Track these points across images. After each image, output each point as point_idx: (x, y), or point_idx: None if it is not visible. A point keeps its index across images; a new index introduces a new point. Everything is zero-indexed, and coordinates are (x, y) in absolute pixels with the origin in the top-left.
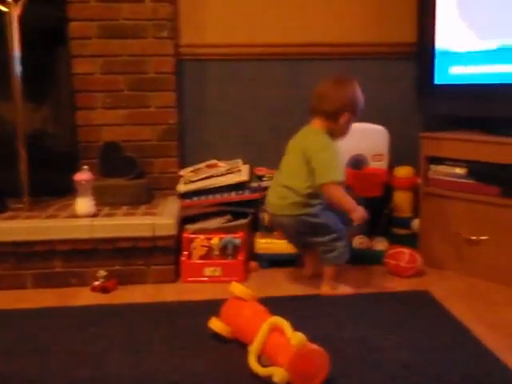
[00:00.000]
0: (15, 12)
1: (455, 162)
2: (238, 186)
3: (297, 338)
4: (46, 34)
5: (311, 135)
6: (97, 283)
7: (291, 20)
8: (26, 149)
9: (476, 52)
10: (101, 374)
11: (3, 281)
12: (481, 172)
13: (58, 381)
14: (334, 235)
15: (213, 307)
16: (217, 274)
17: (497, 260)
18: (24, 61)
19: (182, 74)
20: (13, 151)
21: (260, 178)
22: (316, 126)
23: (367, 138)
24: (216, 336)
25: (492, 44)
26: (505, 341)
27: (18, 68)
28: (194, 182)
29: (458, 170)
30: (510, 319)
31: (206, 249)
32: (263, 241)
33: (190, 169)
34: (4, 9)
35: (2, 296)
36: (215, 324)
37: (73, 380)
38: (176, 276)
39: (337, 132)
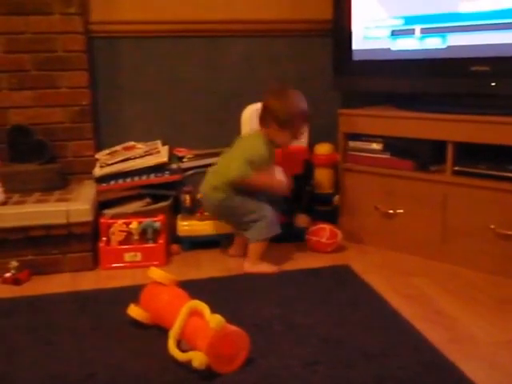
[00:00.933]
0: None
1: (372, 138)
2: (157, 168)
3: (215, 320)
4: None
5: (252, 138)
6: (8, 275)
7: None
8: None
9: (387, 27)
10: (12, 369)
11: None
12: (395, 147)
13: None
14: (253, 216)
15: (133, 294)
16: (137, 259)
17: (412, 233)
18: None
19: (94, 52)
20: None
21: (180, 159)
22: (260, 132)
23: None
24: (136, 323)
25: (401, 21)
26: (419, 310)
27: None
28: (110, 165)
29: (375, 146)
30: (423, 289)
31: (124, 234)
32: (185, 223)
33: (107, 151)
34: None
35: None
36: (134, 311)
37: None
38: (94, 263)
39: (278, 140)
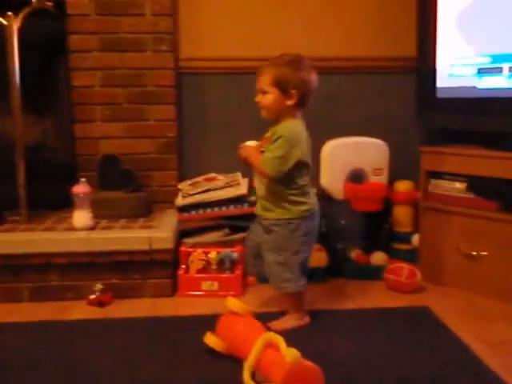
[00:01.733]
0: (15, 25)
1: (455, 177)
2: (237, 200)
3: (291, 354)
4: (46, 47)
5: None
6: (93, 297)
7: (290, 33)
8: (24, 161)
9: (473, 65)
10: None
11: None
12: (480, 187)
13: None
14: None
15: (209, 322)
16: (214, 288)
17: (497, 276)
18: (24, 73)
19: (182, 87)
20: (11, 164)
21: None
22: None
23: (367, 152)
24: (211, 351)
25: (488, 59)
26: (504, 359)
27: (17, 81)
28: (192, 195)
29: (458, 185)
30: (509, 337)
31: (203, 263)
32: None
33: (189, 182)
34: (4, 22)
35: None
36: (210, 339)
37: None
38: (173, 290)
39: None
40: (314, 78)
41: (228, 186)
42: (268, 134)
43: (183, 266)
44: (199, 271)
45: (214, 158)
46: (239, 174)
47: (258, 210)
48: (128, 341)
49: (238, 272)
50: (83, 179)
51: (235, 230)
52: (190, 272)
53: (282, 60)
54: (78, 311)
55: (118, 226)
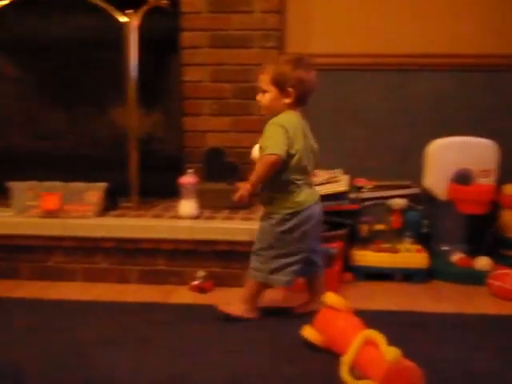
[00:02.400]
0: (135, 22)
1: None
2: (337, 196)
3: (392, 352)
4: (160, 44)
5: None
6: (195, 283)
7: (397, 29)
8: (137, 152)
9: None
10: (195, 371)
11: (110, 274)
12: None
13: (154, 374)
14: None
15: (305, 315)
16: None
17: None
18: (138, 68)
19: None
20: (125, 154)
21: (359, 189)
22: None
23: (474, 153)
24: (308, 344)
25: None
26: None
27: (134, 76)
28: None
29: None
30: None
31: None
32: (360, 253)
33: None
34: (124, 19)
35: (108, 289)
36: (308, 332)
37: (169, 375)
38: None
39: None
40: (312, 76)
41: (327, 182)
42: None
43: None
44: None
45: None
46: (340, 171)
47: None
48: (226, 328)
49: (336, 268)
50: (191, 170)
51: (334, 226)
52: None
53: (282, 59)
54: (180, 295)
55: (221, 216)
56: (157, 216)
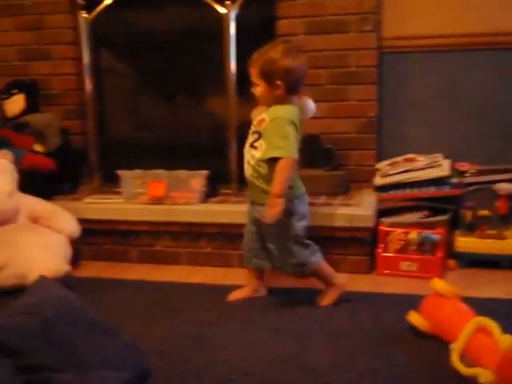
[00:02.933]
0: (233, 13)
1: None
2: (438, 181)
3: (507, 340)
4: (256, 32)
5: None
6: None
7: (496, 9)
8: (235, 140)
9: None
10: (301, 354)
11: (213, 259)
12: None
13: (262, 355)
14: None
15: (408, 301)
16: (413, 269)
17: None
18: (235, 57)
19: (383, 67)
20: (223, 142)
21: (462, 173)
22: None
23: None
24: (413, 330)
25: None
26: None
27: (233, 66)
28: (391, 175)
29: None
30: None
31: (402, 243)
32: (464, 239)
33: (387, 162)
34: (222, 10)
35: (212, 272)
36: (414, 318)
37: (276, 355)
38: (370, 268)
39: None
40: (300, 62)
41: (429, 167)
42: (263, 116)
43: (382, 245)
44: (397, 251)
45: (413, 139)
46: (440, 155)
47: None
48: (329, 312)
49: (439, 254)
50: None
51: (435, 212)
52: (388, 251)
53: (266, 50)
54: (282, 279)
55: (319, 202)
56: None
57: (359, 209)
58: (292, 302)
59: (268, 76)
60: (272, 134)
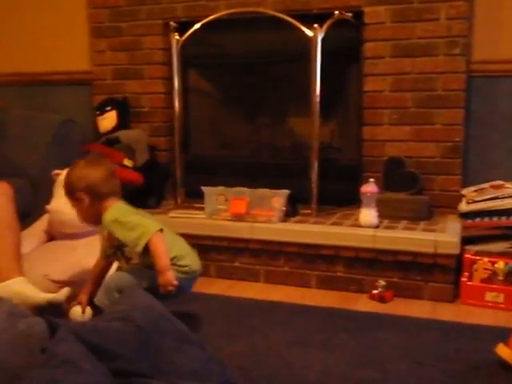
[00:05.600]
0: (319, 36)
1: None
2: None
3: None
4: (341, 54)
5: None
6: (375, 292)
7: None
8: (317, 161)
9: None
10: (384, 380)
11: (291, 278)
12: None
13: (343, 379)
14: None
15: (496, 333)
16: (499, 300)
17: None
18: (321, 79)
19: (471, 91)
20: (305, 162)
21: None
22: None
23: None
24: (502, 363)
25: None
26: None
27: (317, 87)
28: (477, 202)
29: None
30: None
31: (488, 272)
32: None
33: (473, 188)
34: (310, 33)
35: (289, 291)
36: (503, 351)
37: (357, 381)
38: (454, 296)
39: None
40: (96, 173)
41: None
42: (105, 232)
43: (466, 274)
44: (483, 281)
45: (501, 165)
46: None
47: None
48: (411, 339)
49: None
50: (371, 180)
51: None
52: (473, 280)
53: (68, 170)
54: (361, 303)
55: (401, 226)
56: (336, 223)
57: (444, 235)
58: (372, 327)
59: (71, 193)
60: (123, 236)
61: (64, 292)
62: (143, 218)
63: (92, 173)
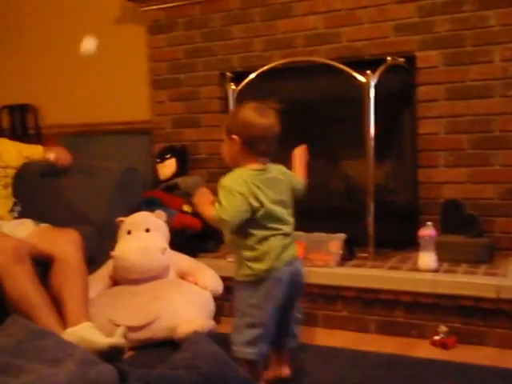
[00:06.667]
0: (372, 82)
1: None
2: None
3: None
4: (395, 99)
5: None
6: (437, 338)
7: None
8: (373, 203)
9: None
10: None
11: (349, 323)
12: None
13: None
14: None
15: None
16: None
17: None
18: (375, 123)
19: None
20: (360, 205)
21: None
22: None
23: None
24: None
25: None
26: None
27: (371, 131)
28: None
29: None
30: None
31: None
32: None
33: None
34: (362, 79)
35: (348, 336)
36: None
37: None
38: None
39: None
40: (259, 120)
41: None
42: None
43: None
44: None
45: None
46: None
47: None
48: None
49: None
50: (429, 223)
51: None
52: None
53: (235, 107)
54: (422, 350)
55: (462, 270)
56: (395, 267)
57: (506, 279)
58: (435, 375)
59: (228, 130)
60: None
61: (120, 332)
62: (241, 203)
63: (259, 121)
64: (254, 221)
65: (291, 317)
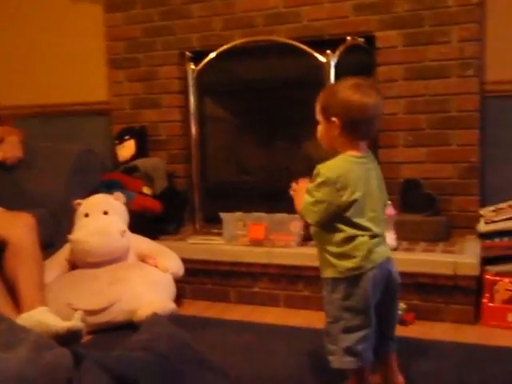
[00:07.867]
0: (332, 62)
1: None
2: None
3: None
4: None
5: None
6: None
7: None
8: None
9: None
10: None
11: (310, 302)
12: None
13: None
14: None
15: None
16: None
17: None
18: None
19: (485, 111)
20: None
21: None
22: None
23: None
24: None
25: None
26: None
27: None
28: (496, 222)
29: None
30: None
31: (510, 293)
32: None
33: (491, 208)
34: (322, 59)
35: (310, 315)
36: None
37: None
38: (475, 318)
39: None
40: (369, 101)
41: None
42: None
43: (487, 295)
44: (505, 301)
45: None
46: None
47: None
48: (435, 363)
49: None
50: (389, 202)
51: None
52: (494, 302)
53: (331, 84)
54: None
55: (420, 248)
56: None
57: (463, 256)
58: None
59: (325, 111)
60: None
61: (78, 316)
62: (333, 198)
63: (363, 101)
64: (345, 217)
65: (390, 319)
